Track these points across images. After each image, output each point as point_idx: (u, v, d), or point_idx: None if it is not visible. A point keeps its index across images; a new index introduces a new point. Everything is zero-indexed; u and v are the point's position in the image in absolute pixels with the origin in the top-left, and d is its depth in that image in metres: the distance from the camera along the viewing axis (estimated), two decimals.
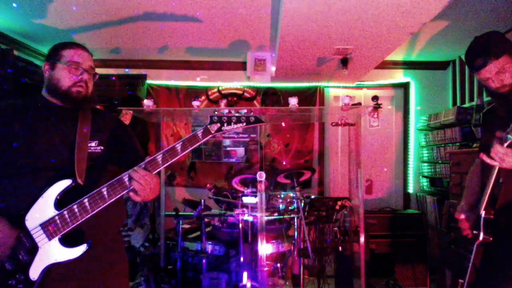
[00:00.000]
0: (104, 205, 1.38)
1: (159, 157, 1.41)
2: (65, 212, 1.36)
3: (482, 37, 1.70)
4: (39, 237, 1.34)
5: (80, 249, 1.37)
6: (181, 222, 3.25)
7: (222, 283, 3.03)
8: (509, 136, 1.47)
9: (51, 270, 1.35)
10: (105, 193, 1.37)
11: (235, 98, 4.60)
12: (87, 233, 1.42)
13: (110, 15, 3.23)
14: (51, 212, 1.36)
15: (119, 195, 1.39)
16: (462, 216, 1.79)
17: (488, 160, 1.56)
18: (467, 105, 4.06)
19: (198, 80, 4.65)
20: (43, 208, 1.36)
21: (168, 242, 3.48)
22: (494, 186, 1.62)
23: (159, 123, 4.14)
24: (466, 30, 3.52)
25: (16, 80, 3.21)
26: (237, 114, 1.44)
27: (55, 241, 1.35)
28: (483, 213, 1.65)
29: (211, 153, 4.65)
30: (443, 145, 4.08)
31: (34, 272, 1.33)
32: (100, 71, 1.63)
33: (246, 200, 3.14)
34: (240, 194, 3.29)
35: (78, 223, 1.36)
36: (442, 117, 4.05)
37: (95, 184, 1.40)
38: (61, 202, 1.37)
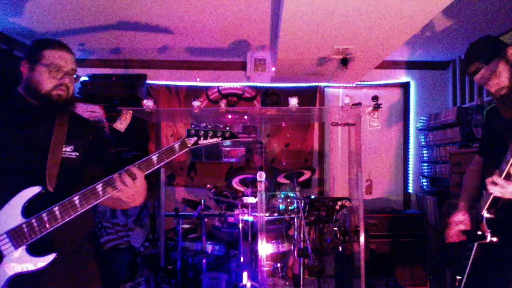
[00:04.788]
0: (75, 215, 1.32)
1: (135, 167, 1.37)
2: (33, 221, 1.29)
3: (475, 43, 1.73)
4: (5, 245, 1.28)
5: (48, 258, 1.31)
6: (181, 222, 3.25)
7: (222, 283, 3.04)
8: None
9: (17, 280, 1.29)
10: (77, 202, 1.32)
11: (235, 98, 4.60)
12: (54, 241, 1.36)
13: (110, 16, 3.23)
14: (18, 219, 1.29)
15: (92, 205, 1.34)
16: (460, 218, 1.80)
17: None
18: (467, 105, 4.06)
19: (198, 80, 4.65)
20: (10, 215, 1.29)
21: (168, 242, 3.48)
22: None
23: (159, 123, 4.14)
24: (466, 31, 3.52)
25: (16, 80, 3.21)
26: (213, 129, 1.46)
27: (22, 250, 1.29)
28: (484, 212, 1.66)
29: (211, 153, 4.65)
30: (443, 145, 4.07)
31: None
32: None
33: (246, 200, 3.14)
34: (240, 194, 3.29)
35: (46, 232, 1.30)
36: (442, 117, 4.05)
37: (66, 191, 1.35)
38: (29, 209, 1.31)
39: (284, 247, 3.20)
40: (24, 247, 1.30)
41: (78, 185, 1.38)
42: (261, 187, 2.93)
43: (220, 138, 1.47)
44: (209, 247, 3.22)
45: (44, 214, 1.30)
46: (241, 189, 3.40)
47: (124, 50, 4.20)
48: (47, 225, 1.30)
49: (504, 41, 1.70)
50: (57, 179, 1.38)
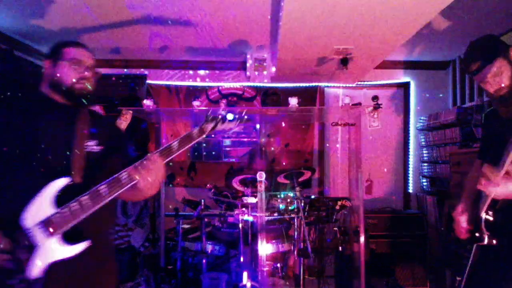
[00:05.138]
0: (102, 203, 1.38)
1: (156, 154, 1.43)
2: (64, 210, 1.35)
3: (476, 42, 1.73)
4: (39, 235, 1.33)
5: (80, 246, 1.37)
6: (181, 222, 3.25)
7: (222, 283, 3.04)
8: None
9: (52, 268, 1.35)
10: (103, 191, 1.38)
11: (235, 98, 4.60)
12: (85, 230, 1.41)
13: (111, 16, 3.23)
14: (50, 210, 1.35)
15: (117, 193, 1.40)
16: (461, 218, 1.80)
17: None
18: (467, 105, 4.06)
19: (198, 80, 4.65)
20: (42, 206, 1.35)
21: (168, 242, 3.48)
22: None
23: (159, 123, 4.14)
24: (466, 31, 3.52)
25: (16, 80, 3.21)
26: (230, 113, 1.50)
27: (55, 239, 1.35)
28: (483, 214, 1.65)
29: (211, 153, 4.65)
30: (443, 145, 4.07)
31: (35, 271, 1.32)
32: (100, 71, 1.65)
33: (246, 200, 3.14)
34: (240, 194, 3.29)
35: (76, 221, 1.36)
36: (442, 117, 4.05)
37: (93, 182, 1.40)
38: (59, 201, 1.36)
39: (284, 247, 3.20)
40: (58, 235, 1.35)
41: (103, 176, 1.43)
42: (261, 187, 2.93)
43: (237, 122, 1.50)
44: (209, 247, 3.22)
45: (74, 204, 1.35)
46: (241, 189, 3.39)
47: (124, 50, 4.20)
48: (78, 214, 1.36)
49: (504, 42, 1.70)
50: (84, 171, 1.45)
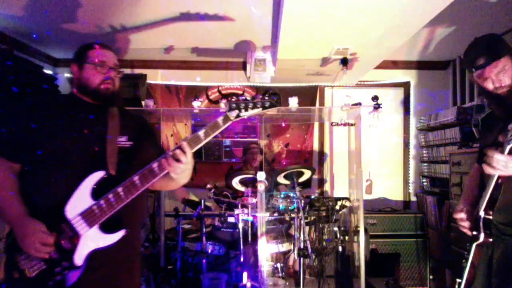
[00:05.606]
0: (137, 193, 1.45)
1: (185, 143, 1.47)
2: (102, 202, 1.43)
3: (483, 37, 1.72)
4: (80, 226, 1.42)
5: (118, 235, 1.45)
6: (181, 222, 3.24)
7: (222, 283, 3.03)
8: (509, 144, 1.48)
9: (92, 256, 1.44)
10: (137, 181, 1.45)
11: (235, 98, 4.60)
12: (121, 219, 1.49)
13: (113, 16, 3.23)
14: (89, 202, 1.43)
15: (150, 183, 1.46)
16: (461, 215, 1.80)
17: (491, 171, 1.55)
18: (467, 105, 4.06)
19: (198, 80, 4.65)
20: (81, 199, 1.43)
21: (168, 242, 3.48)
22: (495, 187, 1.62)
23: (159, 123, 4.14)
24: (466, 31, 3.52)
25: (16, 80, 3.21)
26: (252, 101, 1.52)
27: (95, 228, 1.43)
28: (482, 213, 1.65)
29: (211, 153, 4.65)
30: (443, 145, 4.07)
31: (78, 259, 1.42)
32: (122, 70, 1.70)
33: (247, 200, 3.14)
34: (240, 194, 3.29)
35: (114, 210, 1.44)
36: (442, 117, 4.05)
37: (126, 175, 1.47)
38: (96, 193, 1.44)
39: (284, 247, 3.20)
40: (97, 226, 1.44)
41: (136, 169, 1.49)
42: (261, 187, 2.92)
43: (261, 109, 1.53)
44: (209, 247, 3.22)
45: (110, 195, 1.44)
46: (241, 189, 3.39)
47: (125, 51, 4.20)
48: (114, 205, 1.44)
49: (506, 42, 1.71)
50: (118, 165, 1.53)
